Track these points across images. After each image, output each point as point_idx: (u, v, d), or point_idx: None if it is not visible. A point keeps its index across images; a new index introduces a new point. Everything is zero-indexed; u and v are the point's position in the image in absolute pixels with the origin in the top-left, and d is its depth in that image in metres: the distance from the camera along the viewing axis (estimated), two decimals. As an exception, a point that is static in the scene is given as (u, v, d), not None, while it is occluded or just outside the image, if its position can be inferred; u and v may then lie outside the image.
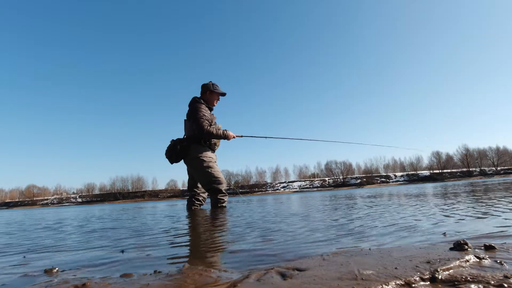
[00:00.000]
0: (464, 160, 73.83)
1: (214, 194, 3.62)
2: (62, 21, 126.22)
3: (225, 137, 3.77)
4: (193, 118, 3.62)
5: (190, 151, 3.64)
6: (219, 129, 3.72)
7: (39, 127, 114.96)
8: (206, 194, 3.90)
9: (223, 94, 4.00)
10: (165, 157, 3.78)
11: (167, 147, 3.73)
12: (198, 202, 3.83)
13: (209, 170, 3.61)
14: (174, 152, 3.64)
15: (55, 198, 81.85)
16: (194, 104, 3.74)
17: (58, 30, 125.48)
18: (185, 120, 3.90)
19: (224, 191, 3.67)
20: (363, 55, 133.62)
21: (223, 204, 3.63)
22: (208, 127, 3.61)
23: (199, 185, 3.83)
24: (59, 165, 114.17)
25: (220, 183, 3.64)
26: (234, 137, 3.93)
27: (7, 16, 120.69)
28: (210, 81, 3.95)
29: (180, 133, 3.94)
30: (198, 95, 3.90)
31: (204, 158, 3.64)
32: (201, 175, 3.63)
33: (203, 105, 3.74)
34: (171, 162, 3.75)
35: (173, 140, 3.74)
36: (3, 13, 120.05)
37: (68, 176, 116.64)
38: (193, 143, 3.67)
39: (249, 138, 4.32)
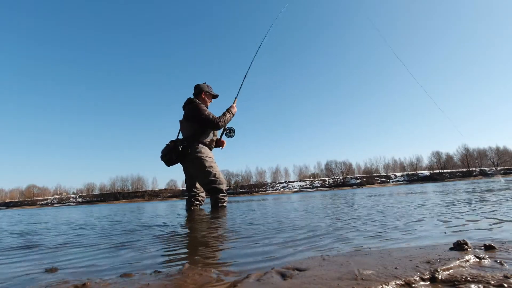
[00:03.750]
0: (464, 160, 73.80)
1: (215, 194, 3.62)
2: (62, 21, 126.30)
3: (233, 114, 3.91)
4: (199, 116, 3.62)
5: (191, 151, 3.63)
6: (225, 115, 3.78)
7: (39, 127, 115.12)
8: (205, 194, 3.90)
9: (216, 97, 4.03)
10: (161, 160, 3.70)
11: (166, 149, 3.66)
12: (198, 202, 3.83)
13: (211, 170, 3.61)
14: (176, 153, 3.58)
15: (55, 198, 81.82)
16: (193, 104, 3.73)
17: (58, 30, 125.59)
18: (181, 121, 3.87)
19: (224, 191, 3.69)
20: (362, 55, 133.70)
21: (224, 204, 3.64)
22: (218, 118, 3.68)
23: (198, 185, 3.84)
24: (59, 165, 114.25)
25: (221, 183, 3.65)
26: (235, 104, 4.02)
27: (7, 16, 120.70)
28: (204, 82, 3.96)
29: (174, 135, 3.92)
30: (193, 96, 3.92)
31: (206, 158, 3.64)
32: (202, 175, 3.62)
33: (201, 104, 3.76)
34: (169, 165, 3.71)
35: (172, 141, 3.70)
36: (3, 13, 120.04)
37: (68, 176, 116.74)
38: (194, 143, 3.67)
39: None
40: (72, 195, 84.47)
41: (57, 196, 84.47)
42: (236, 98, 4.08)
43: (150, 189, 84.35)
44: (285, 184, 75.40)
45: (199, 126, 3.69)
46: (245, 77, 4.28)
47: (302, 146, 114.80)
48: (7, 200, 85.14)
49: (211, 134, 3.83)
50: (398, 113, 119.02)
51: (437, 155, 76.24)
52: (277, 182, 78.83)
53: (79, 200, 79.35)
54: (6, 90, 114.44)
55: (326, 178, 76.89)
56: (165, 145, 3.72)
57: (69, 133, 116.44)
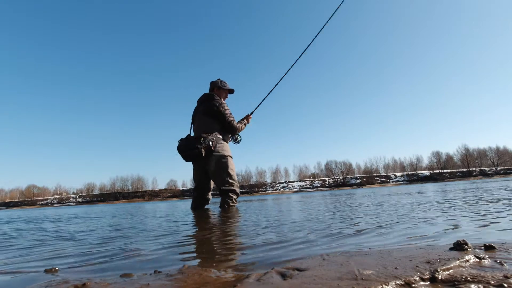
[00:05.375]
0: (464, 160, 73.75)
1: (228, 195, 3.57)
2: (62, 21, 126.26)
3: (245, 126, 4.00)
4: (223, 118, 3.63)
5: (217, 148, 3.54)
6: (240, 123, 3.86)
7: (39, 127, 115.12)
8: (211, 193, 3.87)
9: (231, 91, 4.02)
10: (180, 153, 3.46)
11: (188, 144, 3.41)
12: (204, 202, 3.79)
13: (231, 172, 3.61)
14: (206, 148, 3.38)
15: (55, 198, 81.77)
16: (214, 101, 3.67)
17: (58, 30, 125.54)
18: (197, 115, 3.76)
19: (238, 194, 3.68)
20: (363, 55, 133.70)
21: (235, 205, 3.62)
22: (238, 125, 3.74)
23: (208, 185, 3.77)
24: (59, 165, 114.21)
25: (237, 185, 3.66)
26: (251, 118, 4.11)
27: (7, 16, 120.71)
28: (219, 78, 3.95)
29: (181, 132, 3.92)
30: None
31: (231, 160, 3.64)
32: (224, 174, 3.57)
33: (223, 102, 3.75)
34: (188, 160, 3.53)
35: (195, 136, 3.50)
36: (3, 13, 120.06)
37: (68, 176, 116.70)
38: (220, 140, 3.63)
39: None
40: (72, 195, 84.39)
41: (57, 196, 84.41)
42: (252, 113, 4.18)
43: (150, 189, 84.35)
44: (285, 184, 75.35)
45: (220, 125, 3.68)
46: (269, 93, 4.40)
47: (302, 146, 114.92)
48: (7, 200, 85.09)
49: None
50: (398, 113, 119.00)
51: (437, 155, 76.27)
52: (277, 182, 78.79)
53: (79, 200, 79.28)
54: (6, 90, 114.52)
55: (326, 178, 76.84)
56: (183, 139, 3.52)
57: (69, 133, 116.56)
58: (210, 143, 3.40)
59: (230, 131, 3.72)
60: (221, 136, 3.65)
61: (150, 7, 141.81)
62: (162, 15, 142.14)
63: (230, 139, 3.96)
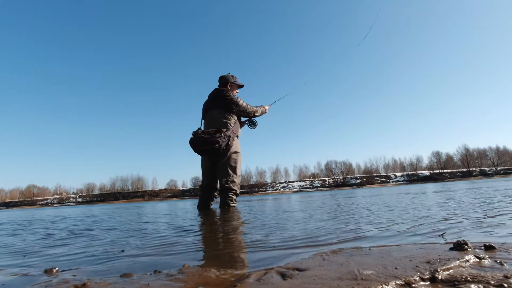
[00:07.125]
0: (464, 160, 73.73)
1: (228, 195, 3.53)
2: (62, 20, 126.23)
3: (262, 114, 4.08)
4: (239, 107, 3.69)
5: (232, 144, 3.53)
6: (260, 107, 4.00)
7: (39, 127, 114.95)
8: (217, 193, 3.82)
9: (241, 86, 4.04)
10: (194, 147, 3.39)
11: (208, 136, 3.33)
12: (211, 201, 3.77)
13: (237, 171, 3.60)
14: (226, 144, 3.38)
15: (55, 198, 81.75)
16: (229, 95, 3.72)
17: (58, 30, 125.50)
18: (211, 111, 3.72)
19: (238, 194, 3.67)
20: (363, 55, 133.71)
21: (235, 205, 3.60)
22: (257, 109, 3.88)
23: (217, 182, 3.73)
24: (59, 165, 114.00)
25: (238, 184, 3.64)
26: (269, 107, 4.21)
27: (7, 16, 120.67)
28: (229, 73, 3.95)
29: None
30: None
31: (240, 157, 3.65)
32: (229, 170, 3.55)
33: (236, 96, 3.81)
34: (202, 154, 3.53)
35: (212, 130, 3.43)
36: (3, 13, 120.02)
37: (68, 176, 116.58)
38: (234, 136, 3.63)
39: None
40: (72, 195, 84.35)
41: (57, 196, 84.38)
42: (270, 105, 4.30)
43: (150, 189, 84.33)
44: (285, 184, 75.32)
45: (237, 118, 3.72)
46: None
47: (302, 146, 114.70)
48: (7, 200, 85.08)
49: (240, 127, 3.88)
50: (398, 113, 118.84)
51: (437, 155, 76.23)
52: (277, 182, 78.75)
53: (79, 200, 79.26)
54: (6, 90, 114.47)
55: (326, 178, 76.82)
56: (200, 132, 3.42)
57: (69, 133, 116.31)
58: (227, 139, 3.44)
59: (250, 115, 3.83)
60: (236, 132, 3.67)
61: (150, 7, 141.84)
62: (162, 15, 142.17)
63: (246, 123, 4.05)
